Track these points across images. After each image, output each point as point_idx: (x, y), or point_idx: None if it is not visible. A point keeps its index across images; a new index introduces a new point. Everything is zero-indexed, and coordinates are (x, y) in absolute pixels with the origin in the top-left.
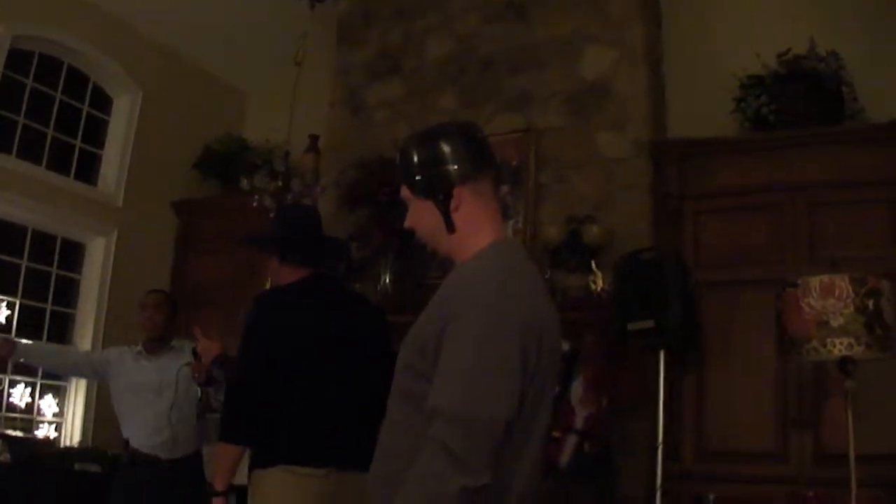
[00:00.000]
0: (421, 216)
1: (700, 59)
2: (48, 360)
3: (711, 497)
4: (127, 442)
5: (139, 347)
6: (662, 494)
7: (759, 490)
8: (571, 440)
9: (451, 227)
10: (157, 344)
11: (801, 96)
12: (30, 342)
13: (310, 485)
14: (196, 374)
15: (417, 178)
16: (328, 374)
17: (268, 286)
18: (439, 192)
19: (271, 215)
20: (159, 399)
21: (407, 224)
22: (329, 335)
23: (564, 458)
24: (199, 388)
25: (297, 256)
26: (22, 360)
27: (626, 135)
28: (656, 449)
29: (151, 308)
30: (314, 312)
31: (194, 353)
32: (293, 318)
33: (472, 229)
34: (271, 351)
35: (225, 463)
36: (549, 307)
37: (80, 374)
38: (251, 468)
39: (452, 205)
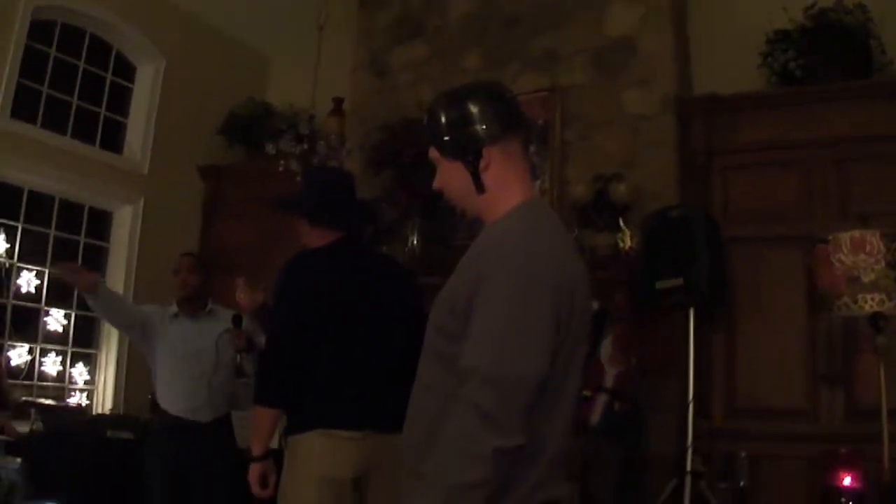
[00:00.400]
0: (450, 177)
1: (725, 15)
2: (114, 307)
3: (742, 454)
4: (156, 405)
5: (174, 308)
6: (693, 452)
7: (790, 447)
8: (602, 399)
9: (480, 187)
10: (191, 304)
11: (828, 50)
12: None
13: (348, 447)
14: (236, 341)
15: (446, 138)
16: (359, 337)
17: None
18: (468, 152)
19: (298, 178)
20: (199, 363)
21: (436, 185)
22: (358, 298)
23: (595, 416)
24: (237, 354)
25: (325, 219)
26: (91, 300)
27: (652, 92)
28: (686, 407)
29: (185, 270)
30: (343, 276)
31: (234, 319)
32: (322, 281)
33: (501, 189)
34: (302, 315)
35: (262, 427)
36: (580, 266)
37: (131, 331)
38: (287, 433)
39: (481, 165)
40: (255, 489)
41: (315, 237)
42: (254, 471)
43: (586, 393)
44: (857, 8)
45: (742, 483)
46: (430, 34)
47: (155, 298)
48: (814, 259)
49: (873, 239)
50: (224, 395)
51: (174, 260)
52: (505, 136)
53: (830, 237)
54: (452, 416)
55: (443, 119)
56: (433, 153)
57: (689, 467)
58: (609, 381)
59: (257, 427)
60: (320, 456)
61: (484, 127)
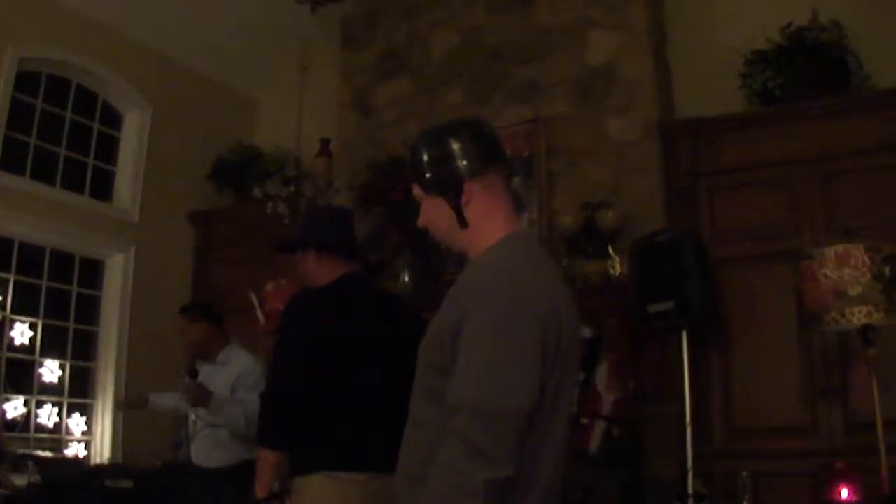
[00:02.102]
0: (433, 213)
1: (704, 38)
2: (169, 405)
3: (744, 474)
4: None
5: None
6: (694, 474)
7: (791, 464)
8: (600, 426)
9: (463, 222)
10: (204, 357)
11: (805, 68)
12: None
13: (352, 490)
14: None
15: (427, 175)
16: (365, 378)
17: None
18: (449, 188)
19: (286, 221)
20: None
21: (420, 222)
22: (365, 338)
23: (594, 444)
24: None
25: (335, 250)
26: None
27: (635, 118)
28: (685, 430)
29: (184, 331)
30: (349, 315)
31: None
32: (327, 321)
33: (484, 223)
34: (307, 355)
35: (264, 469)
36: (566, 295)
37: None
38: (292, 475)
39: (463, 200)
40: None
41: (323, 271)
42: None
43: (584, 421)
44: (833, 25)
45: (745, 503)
46: (414, 70)
47: (149, 345)
48: (800, 275)
49: (857, 252)
50: (232, 442)
51: (167, 306)
52: (486, 171)
53: (814, 253)
54: (442, 450)
55: (424, 156)
56: (416, 190)
57: (690, 490)
58: (606, 408)
59: (259, 469)
60: (325, 498)
61: (465, 162)
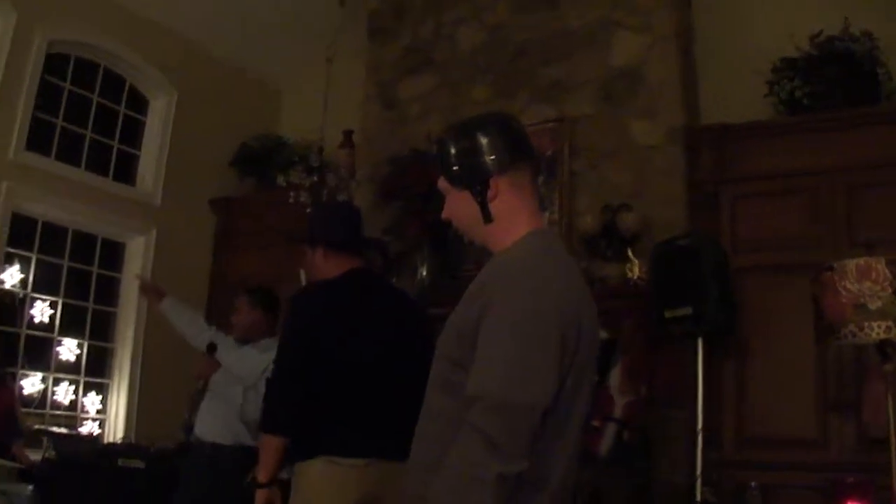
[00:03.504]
0: (458, 207)
1: (731, 43)
2: (181, 320)
3: (753, 484)
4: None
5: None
6: (703, 482)
7: (801, 476)
8: (611, 429)
9: (487, 216)
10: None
11: (835, 78)
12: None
13: (352, 475)
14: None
15: (454, 168)
16: (369, 367)
17: (303, 281)
18: (476, 182)
19: (308, 210)
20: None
21: (444, 215)
22: (370, 327)
23: (604, 446)
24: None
25: (342, 246)
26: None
27: (660, 121)
28: (696, 436)
29: (238, 310)
30: (356, 305)
31: (208, 347)
32: (334, 310)
33: (508, 219)
34: (313, 343)
35: (268, 455)
36: (586, 296)
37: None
38: (293, 460)
39: (489, 195)
40: None
41: (330, 266)
42: (259, 498)
43: (595, 423)
44: (864, 35)
45: None
46: (439, 66)
47: (166, 328)
48: (819, 287)
49: (879, 266)
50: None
51: (186, 290)
52: (513, 167)
53: (836, 264)
54: (457, 442)
55: (452, 149)
56: (442, 183)
57: (698, 497)
58: (618, 411)
59: (264, 454)
60: (325, 483)
61: (492, 157)
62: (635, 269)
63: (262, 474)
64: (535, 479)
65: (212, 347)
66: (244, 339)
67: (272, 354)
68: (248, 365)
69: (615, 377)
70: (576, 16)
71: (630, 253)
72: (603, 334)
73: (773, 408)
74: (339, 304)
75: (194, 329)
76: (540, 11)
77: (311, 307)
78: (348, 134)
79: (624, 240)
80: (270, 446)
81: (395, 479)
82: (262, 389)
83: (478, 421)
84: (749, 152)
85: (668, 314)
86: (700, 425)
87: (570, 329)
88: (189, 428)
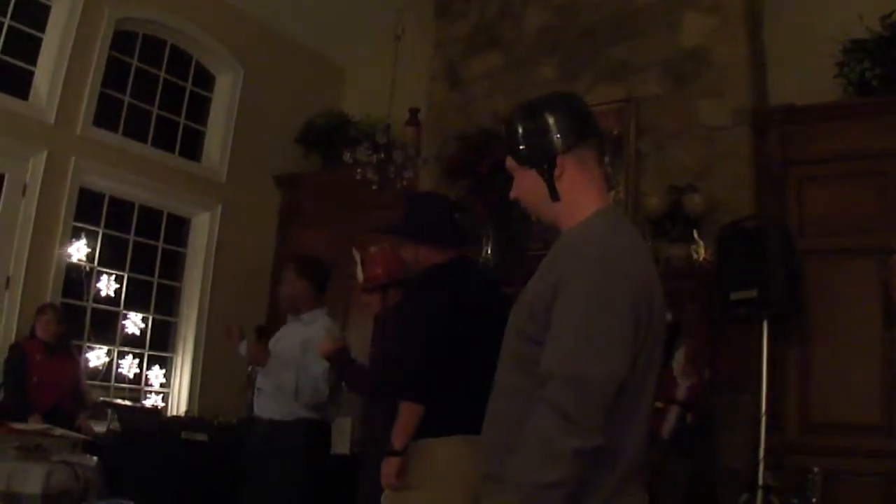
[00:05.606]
0: (526, 186)
1: (800, 24)
2: None
3: (815, 469)
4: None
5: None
6: (765, 466)
7: (865, 463)
8: (674, 411)
9: (555, 195)
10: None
11: None
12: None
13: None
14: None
15: (521, 147)
16: (491, 350)
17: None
18: (543, 161)
19: (374, 188)
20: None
21: (512, 194)
22: (489, 311)
23: (667, 428)
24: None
25: (448, 243)
26: None
27: (727, 102)
28: (759, 420)
29: (284, 280)
30: (475, 290)
31: (258, 330)
32: (461, 294)
33: (576, 197)
34: (441, 322)
35: (406, 423)
36: (656, 275)
37: None
38: (417, 436)
39: (556, 173)
40: (391, 481)
41: (435, 257)
42: (392, 464)
43: (658, 404)
44: None
45: (814, 499)
46: (506, 45)
47: (229, 303)
48: (887, 271)
49: None
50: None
51: (250, 266)
52: (579, 146)
53: None
54: (532, 418)
55: (519, 129)
56: (510, 162)
57: (760, 481)
58: (681, 394)
59: (402, 420)
60: (462, 461)
61: (559, 136)
62: (701, 251)
63: (397, 441)
64: (610, 453)
65: (261, 331)
66: (292, 310)
67: (316, 326)
68: (287, 344)
69: (678, 360)
70: None
71: (696, 234)
72: (668, 316)
73: (837, 393)
74: (460, 289)
75: None
76: None
77: (438, 290)
78: (414, 112)
79: (689, 221)
80: (412, 414)
81: None
82: (314, 370)
83: (553, 396)
84: (817, 134)
85: (733, 296)
86: (763, 409)
87: (643, 304)
88: (251, 405)
